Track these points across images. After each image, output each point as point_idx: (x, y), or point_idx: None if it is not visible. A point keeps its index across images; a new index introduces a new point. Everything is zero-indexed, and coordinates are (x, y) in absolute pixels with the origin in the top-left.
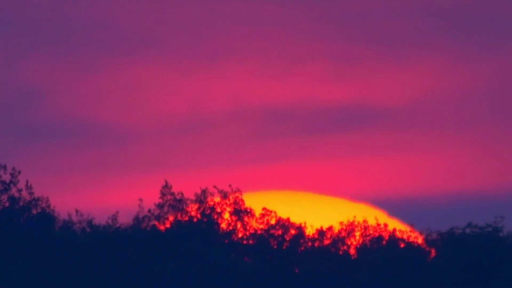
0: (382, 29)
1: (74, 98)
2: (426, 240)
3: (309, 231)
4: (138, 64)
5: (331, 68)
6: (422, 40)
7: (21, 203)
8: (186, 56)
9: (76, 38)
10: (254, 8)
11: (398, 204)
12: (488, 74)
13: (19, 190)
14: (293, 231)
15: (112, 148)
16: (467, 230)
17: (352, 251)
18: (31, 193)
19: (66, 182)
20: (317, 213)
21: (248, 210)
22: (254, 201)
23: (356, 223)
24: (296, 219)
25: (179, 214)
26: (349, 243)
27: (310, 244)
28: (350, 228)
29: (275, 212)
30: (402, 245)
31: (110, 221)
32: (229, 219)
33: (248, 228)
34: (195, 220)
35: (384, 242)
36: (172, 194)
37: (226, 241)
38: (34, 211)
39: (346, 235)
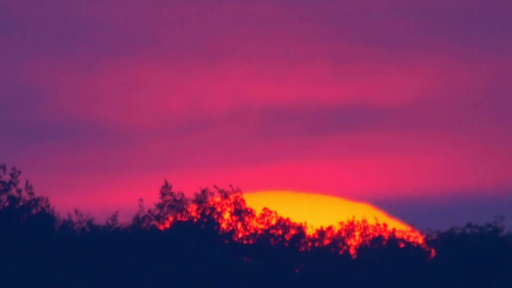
0: (382, 29)
1: (74, 98)
2: (426, 240)
3: (309, 231)
4: (138, 64)
5: (331, 68)
6: (422, 40)
7: (21, 203)
8: (186, 56)
9: (76, 38)
10: (254, 8)
11: (398, 204)
12: (488, 74)
13: (19, 190)
14: (293, 231)
15: (112, 148)
16: (467, 230)
17: (352, 251)
18: (31, 193)
19: (66, 182)
20: (317, 213)
21: (249, 210)
22: (255, 201)
23: (356, 223)
24: (296, 219)
25: (179, 214)
26: (349, 243)
27: (310, 244)
28: (350, 228)
29: (275, 212)
30: (402, 245)
31: (110, 221)
32: (229, 219)
33: (248, 228)
34: (195, 220)
35: (384, 242)
36: (172, 194)
37: (226, 241)
38: (34, 211)
39: (346, 235)
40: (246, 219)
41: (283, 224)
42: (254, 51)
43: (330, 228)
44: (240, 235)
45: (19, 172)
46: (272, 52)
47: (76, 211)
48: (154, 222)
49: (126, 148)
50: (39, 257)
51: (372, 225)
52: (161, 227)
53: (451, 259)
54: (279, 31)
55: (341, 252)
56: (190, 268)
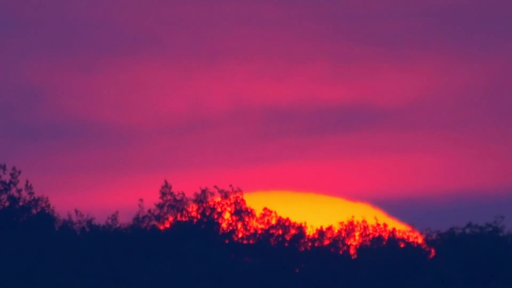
0: (382, 29)
1: (74, 98)
2: (426, 240)
3: (309, 231)
4: (138, 64)
5: (331, 68)
6: (422, 40)
7: (21, 203)
8: (186, 56)
9: (76, 38)
10: (254, 8)
11: (398, 204)
12: (488, 74)
13: (19, 190)
14: (293, 231)
15: (112, 148)
16: (467, 230)
17: (352, 251)
18: (31, 193)
19: (66, 182)
20: (317, 213)
21: (249, 210)
22: (255, 201)
23: (355, 223)
24: (296, 219)
25: (179, 214)
26: (349, 243)
27: (310, 244)
28: (350, 228)
29: (275, 212)
30: (402, 245)
31: (110, 221)
32: (229, 219)
33: (248, 228)
34: (195, 220)
35: (384, 242)
36: (172, 194)
37: (227, 241)
38: (34, 211)
39: (346, 235)
40: (246, 219)
41: (283, 224)
42: (254, 51)
43: (330, 228)
44: (240, 235)
45: (19, 172)
46: (272, 52)
47: (76, 211)
48: (154, 222)
49: (126, 148)
50: (39, 257)
51: (372, 225)
52: (161, 227)
53: (451, 259)
54: (279, 31)
55: (341, 252)
56: (190, 268)
